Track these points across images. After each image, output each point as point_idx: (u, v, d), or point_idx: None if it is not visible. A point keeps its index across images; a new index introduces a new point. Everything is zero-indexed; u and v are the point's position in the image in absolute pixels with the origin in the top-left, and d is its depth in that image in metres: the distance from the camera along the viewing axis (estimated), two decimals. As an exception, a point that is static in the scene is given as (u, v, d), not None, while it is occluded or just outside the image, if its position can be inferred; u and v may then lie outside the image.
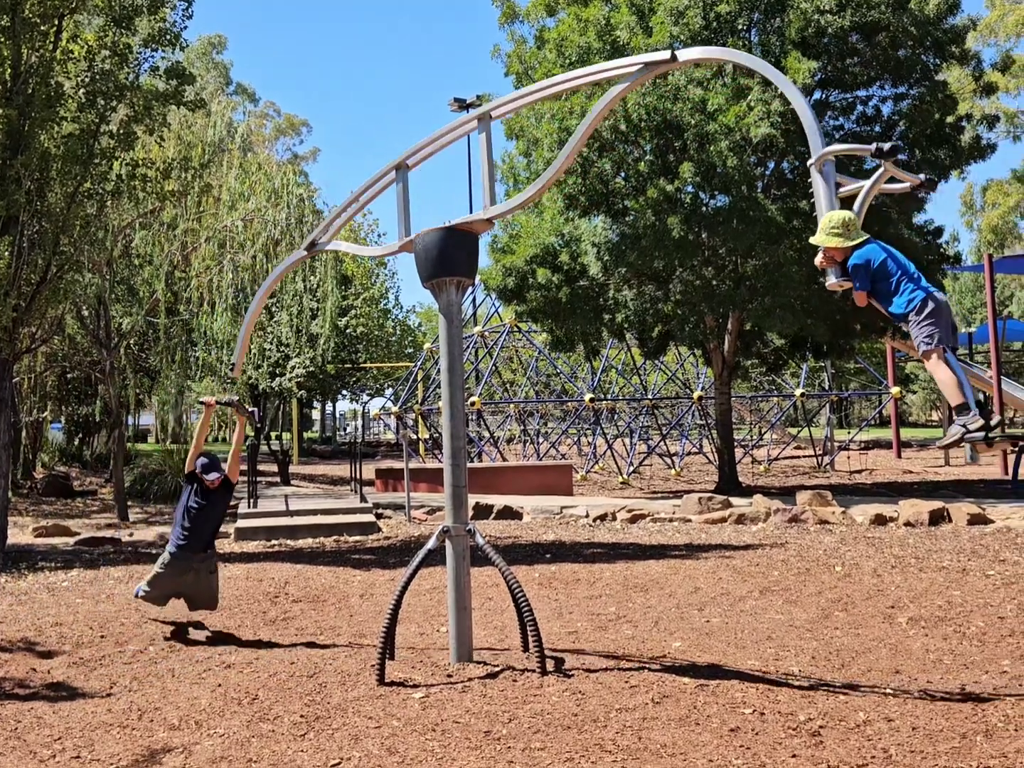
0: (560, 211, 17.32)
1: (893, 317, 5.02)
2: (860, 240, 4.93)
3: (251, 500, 15.75)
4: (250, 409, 7.54)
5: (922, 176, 5.03)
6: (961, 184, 58.46)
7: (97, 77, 12.36)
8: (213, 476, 7.17)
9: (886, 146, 4.73)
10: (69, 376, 25.71)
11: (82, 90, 12.34)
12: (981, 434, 4.67)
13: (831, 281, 5.09)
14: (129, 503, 18.04)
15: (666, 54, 5.50)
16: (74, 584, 9.73)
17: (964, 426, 4.70)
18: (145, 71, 13.32)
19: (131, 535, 13.88)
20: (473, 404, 23.08)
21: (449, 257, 6.09)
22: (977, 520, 12.54)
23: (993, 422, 4.70)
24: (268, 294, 8.04)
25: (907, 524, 12.67)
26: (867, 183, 4.92)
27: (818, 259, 5.11)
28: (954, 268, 21.69)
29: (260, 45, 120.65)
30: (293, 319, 22.10)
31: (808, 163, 5.06)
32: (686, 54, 5.56)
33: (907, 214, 16.83)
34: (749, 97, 15.10)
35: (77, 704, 5.44)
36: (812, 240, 5.06)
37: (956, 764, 4.14)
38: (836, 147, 5.02)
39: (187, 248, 18.55)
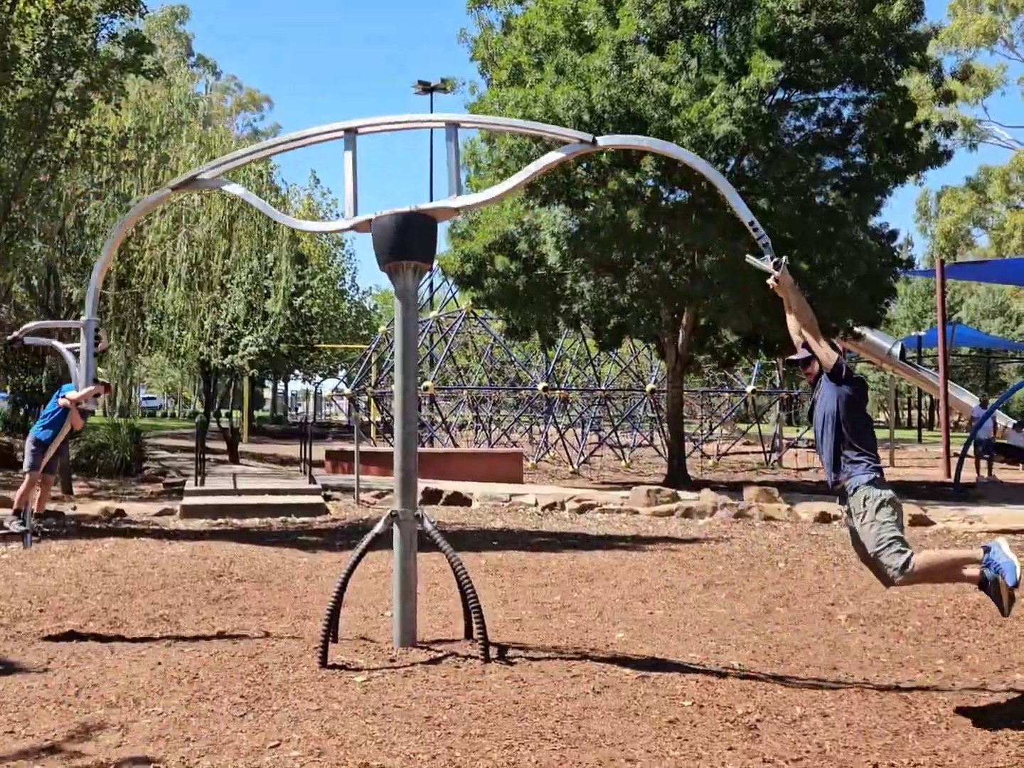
0: (520, 199, 17.30)
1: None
2: None
3: (198, 477, 15.62)
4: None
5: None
6: (917, 190, 59.38)
7: (54, 42, 12.12)
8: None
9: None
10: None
11: (38, 55, 12.09)
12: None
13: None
14: (74, 476, 17.79)
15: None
16: (14, 557, 9.58)
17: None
18: (103, 38, 13.09)
19: (75, 509, 13.69)
20: (426, 389, 23.02)
21: (408, 241, 6.06)
22: (918, 521, 12.76)
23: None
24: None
25: (850, 523, 12.85)
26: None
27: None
28: (907, 272, 22.03)
29: (224, 18, 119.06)
30: (247, 296, 21.88)
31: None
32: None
33: (863, 217, 17.02)
34: (713, 93, 15.17)
35: (13, 679, 5.36)
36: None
37: (888, 760, 4.21)
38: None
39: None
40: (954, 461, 19.61)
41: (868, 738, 4.48)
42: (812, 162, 16.33)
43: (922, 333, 42.06)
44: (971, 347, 52.48)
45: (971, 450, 19.86)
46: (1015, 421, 27.53)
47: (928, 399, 56.19)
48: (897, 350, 31.63)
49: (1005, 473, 22.74)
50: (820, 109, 17.39)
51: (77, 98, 12.53)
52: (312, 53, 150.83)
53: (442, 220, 6.42)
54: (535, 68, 16.71)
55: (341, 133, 6.23)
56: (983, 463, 21.31)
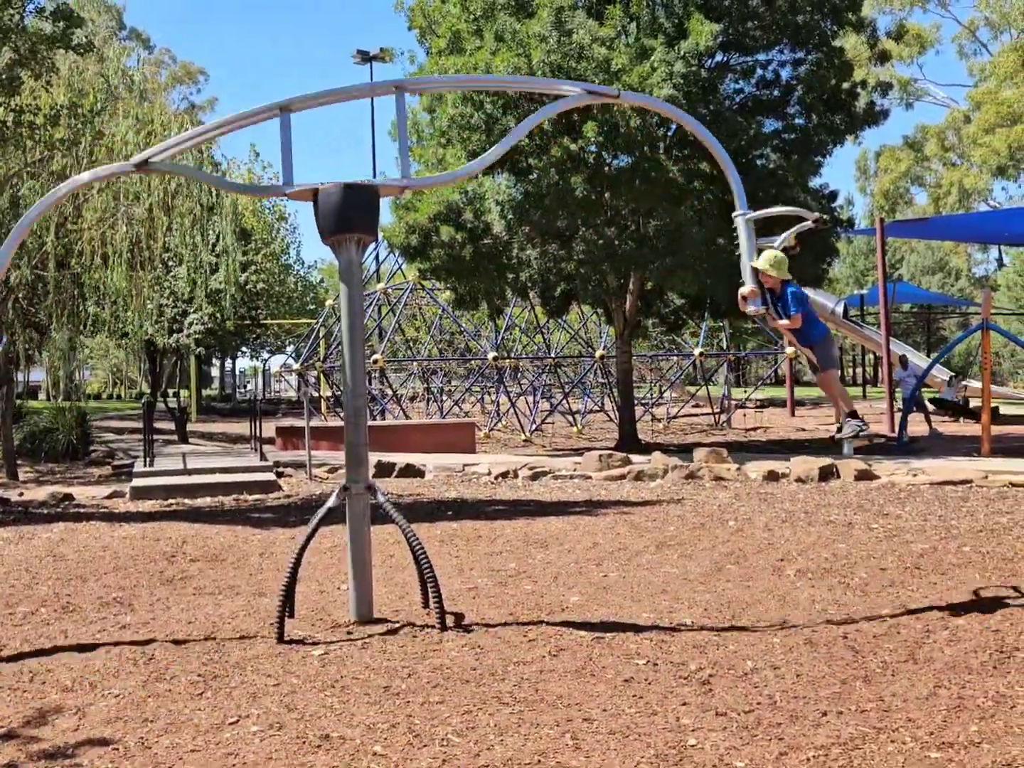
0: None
1: (808, 340, 6.49)
2: (787, 277, 6.27)
3: (147, 458, 15.45)
4: None
5: (817, 214, 6.54)
6: (856, 150, 60.04)
7: (-22, 18, 11.80)
8: None
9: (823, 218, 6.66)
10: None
11: (-38, 31, 11.76)
12: (866, 433, 6.50)
13: (754, 308, 6.24)
14: (19, 462, 17.50)
15: (614, 91, 6.57)
16: (-39, 545, 9.43)
17: (860, 426, 6.44)
18: (31, 12, 12.75)
19: (21, 495, 13.49)
20: (376, 362, 22.95)
21: (349, 214, 6.03)
22: (864, 476, 13.01)
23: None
24: (41, 215, 7.10)
25: (798, 480, 13.08)
26: (786, 235, 6.32)
27: (748, 288, 6.22)
28: (848, 232, 22.25)
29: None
30: (191, 274, 21.57)
31: (734, 215, 6.47)
32: (630, 98, 7.08)
33: (803, 178, 17.18)
34: (652, 58, 15.18)
35: (-35, 667, 5.31)
36: (756, 264, 6.23)
37: (837, 708, 4.33)
38: (778, 210, 6.78)
39: (79, 199, 17.89)
40: (898, 416, 19.97)
41: (817, 688, 4.61)
42: (752, 124, 16.42)
43: (864, 291, 42.64)
44: (912, 303, 53.32)
45: (913, 406, 20.20)
46: (951, 375, 28.04)
47: (872, 356, 57.06)
48: (840, 309, 32.03)
49: (947, 426, 23.21)
50: (759, 71, 17.49)
51: (5, 75, 12.21)
52: (247, 23, 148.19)
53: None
54: (474, 35, 16.59)
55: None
56: (919, 418, 21.65)
